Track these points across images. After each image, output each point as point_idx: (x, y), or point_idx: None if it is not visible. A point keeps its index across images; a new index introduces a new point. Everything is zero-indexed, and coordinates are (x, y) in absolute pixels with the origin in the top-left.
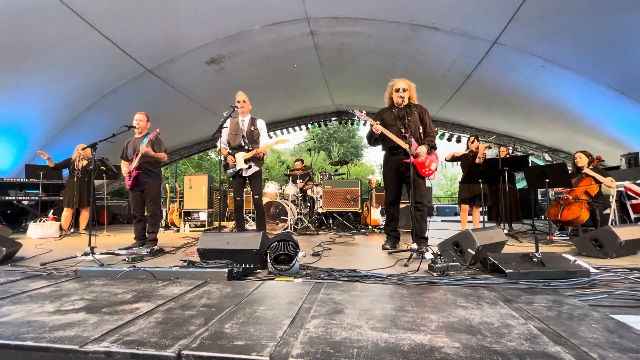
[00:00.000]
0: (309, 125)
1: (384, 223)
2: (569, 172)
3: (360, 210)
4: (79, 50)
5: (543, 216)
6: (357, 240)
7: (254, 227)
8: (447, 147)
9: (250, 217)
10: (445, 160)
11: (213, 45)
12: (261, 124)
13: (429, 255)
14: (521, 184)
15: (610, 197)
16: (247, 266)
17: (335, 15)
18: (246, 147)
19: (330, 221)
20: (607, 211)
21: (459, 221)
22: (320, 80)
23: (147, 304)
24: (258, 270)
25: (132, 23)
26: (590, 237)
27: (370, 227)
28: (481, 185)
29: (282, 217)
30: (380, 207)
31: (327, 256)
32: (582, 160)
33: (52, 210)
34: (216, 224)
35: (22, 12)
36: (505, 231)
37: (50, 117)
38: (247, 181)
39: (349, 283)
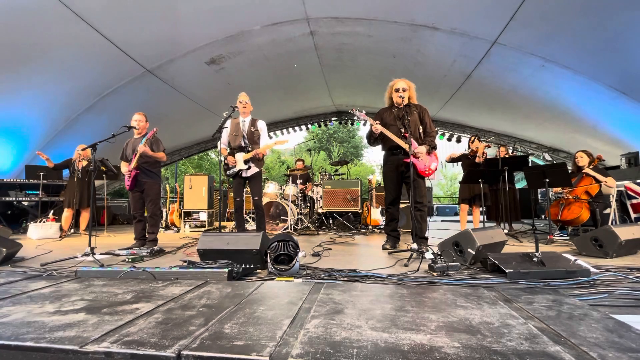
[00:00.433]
0: (309, 126)
1: (384, 223)
2: (569, 171)
3: (361, 211)
4: (79, 50)
5: (543, 216)
6: (357, 241)
7: (254, 227)
8: (448, 147)
9: (250, 218)
10: (446, 161)
11: (213, 46)
12: (262, 125)
13: (429, 255)
14: (521, 184)
15: (611, 196)
16: (247, 266)
17: (335, 15)
18: (246, 147)
19: (331, 221)
20: (607, 211)
21: (459, 221)
22: (320, 80)
23: (147, 305)
24: (258, 271)
25: (131, 23)
26: (590, 237)
27: (370, 227)
28: (481, 185)
29: (282, 218)
30: (380, 207)
31: (327, 256)
32: (582, 160)
33: (52, 211)
34: (216, 224)
35: (21, 13)
36: (506, 231)
37: (50, 118)
38: (247, 182)
39: (349, 283)
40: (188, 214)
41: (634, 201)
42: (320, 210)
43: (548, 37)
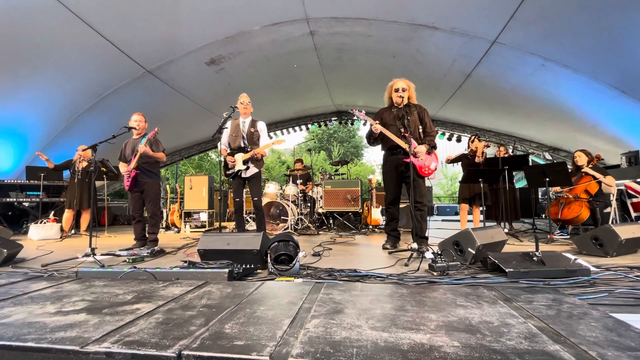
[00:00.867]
0: (309, 126)
1: (384, 223)
2: (569, 171)
3: (361, 210)
4: (79, 51)
5: (543, 215)
6: (357, 240)
7: (255, 227)
8: (448, 146)
9: (250, 218)
10: (445, 163)
11: (213, 46)
12: (261, 126)
13: (429, 255)
14: (521, 183)
15: (611, 195)
16: (248, 266)
17: (334, 15)
18: (246, 148)
19: (331, 221)
20: (607, 210)
21: (459, 220)
22: (320, 80)
23: (147, 305)
24: (258, 271)
25: (131, 24)
26: (590, 236)
27: (370, 227)
28: (481, 185)
29: (282, 218)
30: (380, 207)
31: (327, 256)
32: (581, 159)
33: (52, 212)
34: (216, 224)
35: (21, 14)
36: (506, 230)
37: (51, 119)
38: (247, 182)
39: (349, 283)
40: (188, 215)
41: (634, 200)
42: (320, 210)
43: (548, 36)
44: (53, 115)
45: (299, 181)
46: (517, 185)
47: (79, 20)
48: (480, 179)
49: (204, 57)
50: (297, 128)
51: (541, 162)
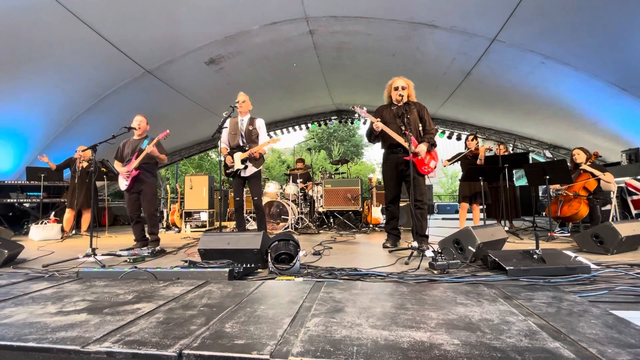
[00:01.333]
0: (309, 125)
1: (384, 221)
2: (569, 168)
3: (361, 209)
4: (78, 52)
5: (544, 213)
6: (357, 239)
7: (255, 227)
8: (448, 145)
9: (251, 217)
10: (443, 166)
11: (212, 46)
12: (260, 123)
13: (429, 253)
14: (521, 182)
15: (611, 193)
16: (248, 266)
17: (334, 14)
18: (244, 147)
19: (331, 220)
20: (607, 207)
21: (459, 219)
22: (319, 79)
23: (148, 304)
24: (259, 270)
25: (130, 24)
26: (591, 234)
27: (371, 225)
28: (482, 183)
29: (282, 217)
30: (380, 206)
31: (327, 255)
32: (579, 157)
33: (53, 212)
34: (217, 224)
35: (20, 15)
36: (506, 228)
37: (51, 120)
38: (247, 181)
39: (349, 281)
40: (189, 214)
41: (635, 197)
42: (320, 209)
43: (547, 34)
44: (53, 116)
45: (299, 180)
46: (517, 183)
47: (78, 20)
48: (480, 177)
49: (203, 56)
50: (297, 127)
51: (541, 160)
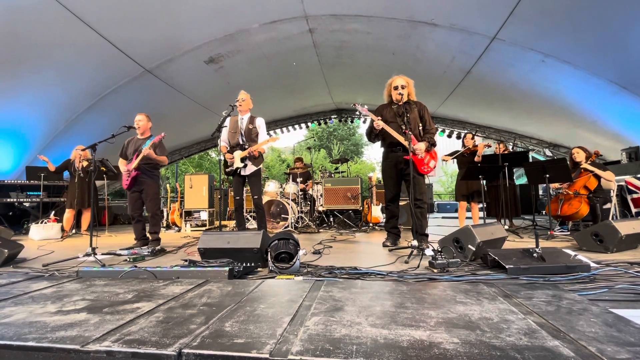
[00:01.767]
0: (309, 124)
1: (384, 220)
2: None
3: (361, 208)
4: (78, 51)
5: (544, 211)
6: (357, 238)
7: (255, 226)
8: (448, 143)
9: (251, 216)
10: (442, 160)
11: (211, 45)
12: (260, 122)
13: (429, 252)
14: (522, 180)
15: (611, 191)
16: (248, 265)
17: (333, 12)
18: (244, 145)
19: (331, 219)
20: (607, 205)
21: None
22: (319, 78)
23: (148, 304)
24: (259, 269)
25: (130, 23)
26: (590, 232)
27: (370, 224)
28: (481, 182)
29: (282, 216)
30: (380, 205)
31: (327, 254)
32: (579, 156)
33: (53, 212)
34: (217, 223)
35: (20, 14)
36: (506, 227)
37: (50, 119)
38: (247, 180)
39: (349, 280)
40: (189, 213)
41: (635, 195)
42: (320, 209)
43: (547, 32)
44: (52, 115)
45: (299, 179)
46: (517, 182)
47: (77, 20)
48: (480, 176)
49: (203, 55)
50: (296, 126)
51: (541, 158)
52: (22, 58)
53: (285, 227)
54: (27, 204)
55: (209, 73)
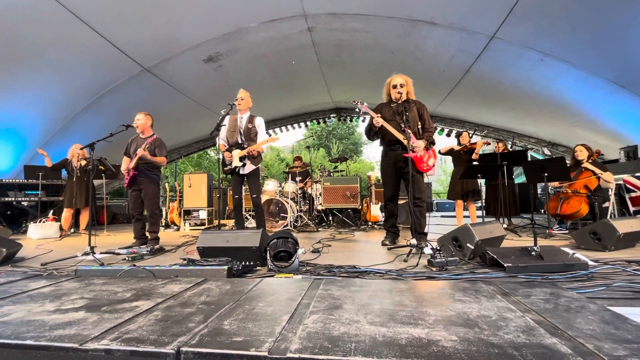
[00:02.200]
0: (308, 123)
1: (383, 219)
2: (568, 165)
3: (360, 207)
4: (76, 49)
5: (542, 210)
6: (356, 237)
7: (254, 225)
8: (447, 142)
9: (250, 215)
10: (440, 153)
11: (210, 43)
12: (259, 122)
13: (428, 251)
14: (520, 179)
15: (610, 190)
16: (247, 263)
17: (332, 11)
18: (242, 144)
19: (330, 218)
20: (606, 204)
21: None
22: (318, 77)
23: (146, 302)
24: (258, 268)
25: (128, 22)
26: (589, 231)
27: (369, 223)
28: (479, 181)
29: (281, 215)
30: (379, 204)
31: (326, 253)
32: (582, 154)
33: (51, 211)
34: (216, 222)
35: (18, 12)
36: (505, 225)
37: (49, 117)
38: (245, 179)
39: (348, 279)
40: (188, 212)
41: (633, 194)
42: (319, 207)
43: (547, 31)
44: (50, 114)
45: (298, 178)
46: (516, 181)
47: (75, 18)
48: (479, 175)
49: (201, 54)
50: (295, 125)
51: (540, 157)
52: (19, 57)
53: (284, 226)
54: (25, 203)
55: (207, 72)
